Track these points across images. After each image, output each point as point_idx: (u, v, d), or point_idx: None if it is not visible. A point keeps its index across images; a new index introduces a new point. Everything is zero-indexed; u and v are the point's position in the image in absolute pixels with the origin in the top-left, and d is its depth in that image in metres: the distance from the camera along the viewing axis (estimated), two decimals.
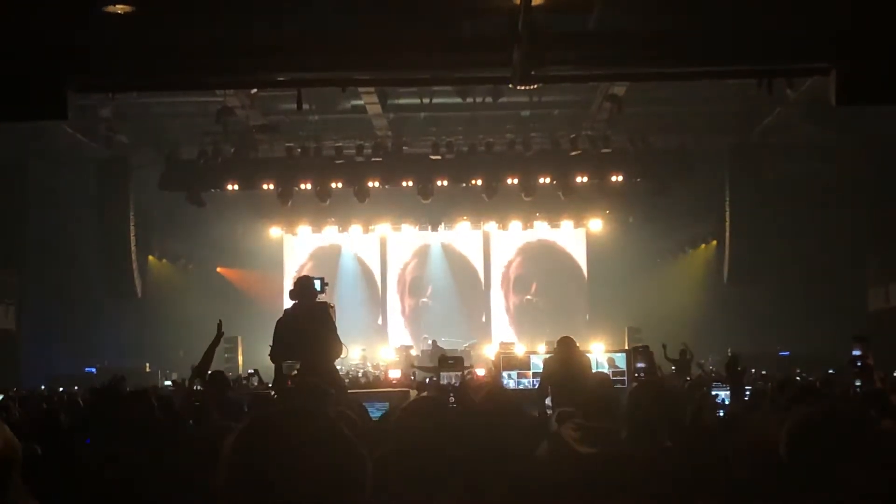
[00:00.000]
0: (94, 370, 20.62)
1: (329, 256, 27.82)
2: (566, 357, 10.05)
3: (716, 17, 9.30)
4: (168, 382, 17.22)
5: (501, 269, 28.13)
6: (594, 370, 11.67)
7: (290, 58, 9.37)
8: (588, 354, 12.91)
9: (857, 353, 8.98)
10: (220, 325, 7.94)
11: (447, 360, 6.26)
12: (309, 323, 10.19)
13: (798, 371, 15.99)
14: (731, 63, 10.03)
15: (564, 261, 27.81)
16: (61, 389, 16.10)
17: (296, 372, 7.52)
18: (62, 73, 9.19)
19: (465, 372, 12.43)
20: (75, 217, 20.28)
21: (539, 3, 8.52)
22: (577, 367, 9.83)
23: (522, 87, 11.86)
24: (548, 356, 11.79)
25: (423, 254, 28.14)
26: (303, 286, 10.42)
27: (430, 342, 22.92)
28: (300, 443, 2.18)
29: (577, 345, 10.45)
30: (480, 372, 13.80)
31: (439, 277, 28.10)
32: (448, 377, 6.17)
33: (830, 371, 9.71)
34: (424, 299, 28.12)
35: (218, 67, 9.71)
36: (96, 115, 18.31)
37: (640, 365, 5.14)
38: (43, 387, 17.65)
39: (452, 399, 6.40)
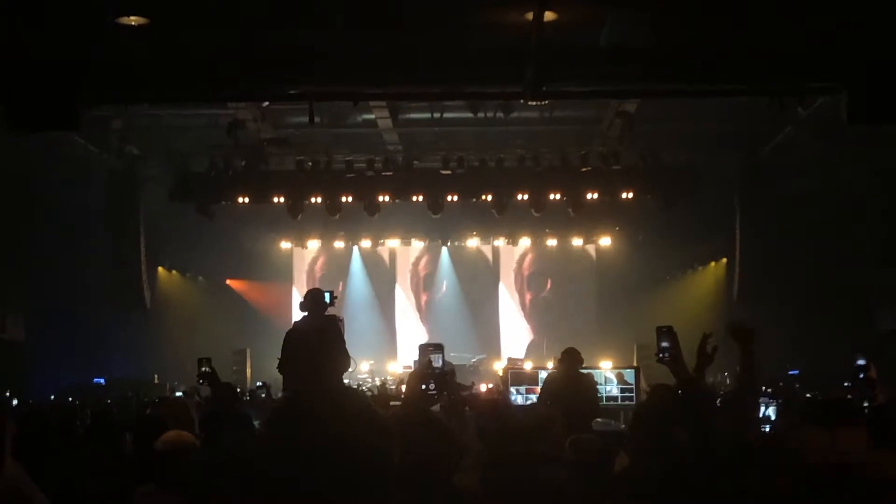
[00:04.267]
0: (102, 381, 20.58)
1: (338, 270, 27.88)
2: (568, 377, 10.01)
3: (727, 35, 9.31)
4: (179, 394, 17.20)
5: (513, 267, 28.21)
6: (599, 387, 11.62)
7: (303, 71, 9.40)
8: (595, 370, 12.90)
9: (861, 363, 8.79)
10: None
11: (428, 347, 6.34)
12: (317, 336, 10.17)
13: (797, 387, 15.89)
14: (742, 81, 10.04)
15: (577, 259, 27.89)
16: (70, 399, 16.11)
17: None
18: (74, 85, 9.22)
19: (470, 384, 12.41)
20: (84, 227, 20.27)
21: (551, 20, 8.52)
22: (578, 390, 9.79)
23: (534, 103, 11.86)
24: (552, 372, 11.75)
25: (433, 262, 28.25)
26: (312, 299, 10.43)
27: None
28: (331, 417, 2.21)
29: (581, 361, 10.36)
30: (484, 387, 13.74)
31: (449, 289, 28.14)
32: (436, 359, 6.23)
33: (847, 384, 9.47)
34: (439, 296, 28.21)
35: (230, 80, 9.75)
36: (107, 127, 18.33)
37: (664, 344, 5.08)
38: (52, 397, 17.66)
39: (433, 387, 6.38)
